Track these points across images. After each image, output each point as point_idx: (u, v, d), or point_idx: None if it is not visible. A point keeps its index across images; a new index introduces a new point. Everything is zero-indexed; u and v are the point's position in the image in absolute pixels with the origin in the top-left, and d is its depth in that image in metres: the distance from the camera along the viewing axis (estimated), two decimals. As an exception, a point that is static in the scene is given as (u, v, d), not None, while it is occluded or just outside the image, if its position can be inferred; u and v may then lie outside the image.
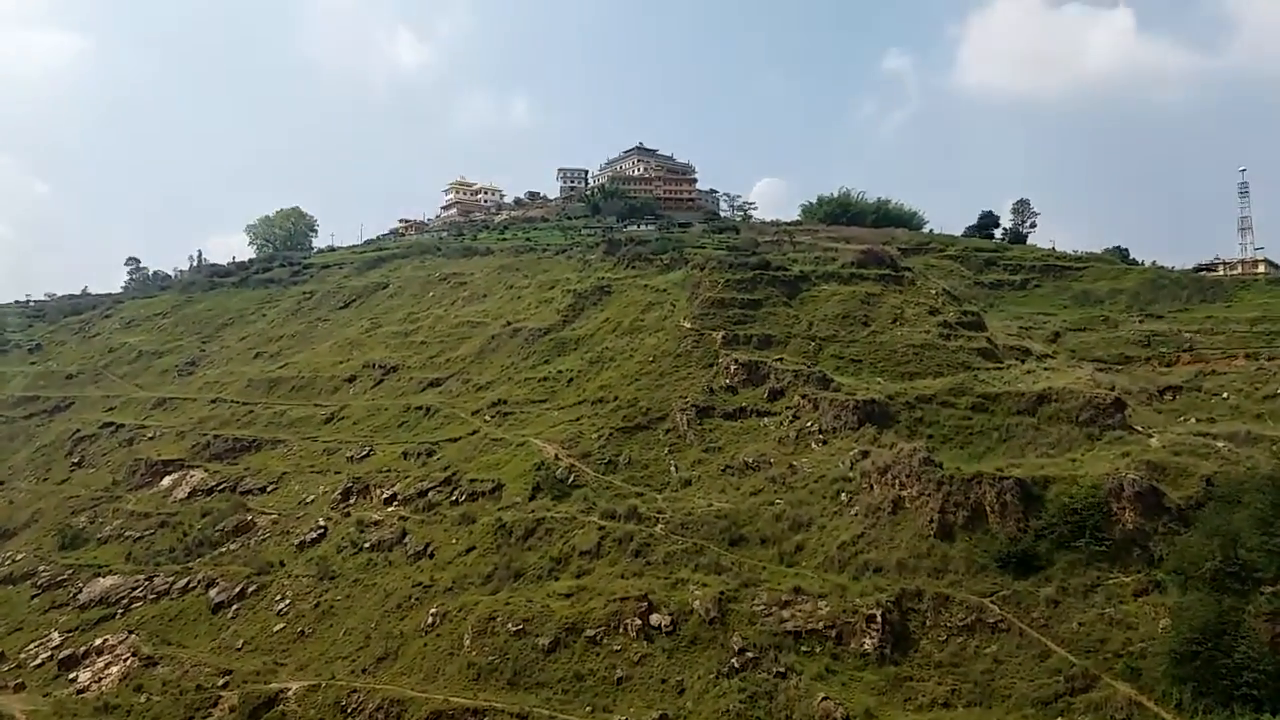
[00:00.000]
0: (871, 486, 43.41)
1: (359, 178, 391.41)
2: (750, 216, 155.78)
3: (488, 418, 63.27)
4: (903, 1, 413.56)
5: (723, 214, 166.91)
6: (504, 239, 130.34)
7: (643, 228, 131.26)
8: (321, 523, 54.86)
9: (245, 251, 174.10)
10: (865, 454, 46.02)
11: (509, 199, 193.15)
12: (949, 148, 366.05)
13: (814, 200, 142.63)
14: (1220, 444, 44.79)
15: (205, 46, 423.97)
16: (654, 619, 37.47)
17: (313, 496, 59.38)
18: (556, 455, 54.13)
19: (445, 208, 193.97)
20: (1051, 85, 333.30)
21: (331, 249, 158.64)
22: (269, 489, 62.43)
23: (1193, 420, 53.26)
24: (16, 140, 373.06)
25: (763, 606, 37.50)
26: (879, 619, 35.92)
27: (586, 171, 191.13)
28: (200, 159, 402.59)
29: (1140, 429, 48.35)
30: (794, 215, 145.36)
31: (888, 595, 36.85)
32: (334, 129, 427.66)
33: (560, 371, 68.06)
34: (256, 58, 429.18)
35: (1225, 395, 57.75)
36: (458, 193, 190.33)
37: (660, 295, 77.73)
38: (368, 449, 63.94)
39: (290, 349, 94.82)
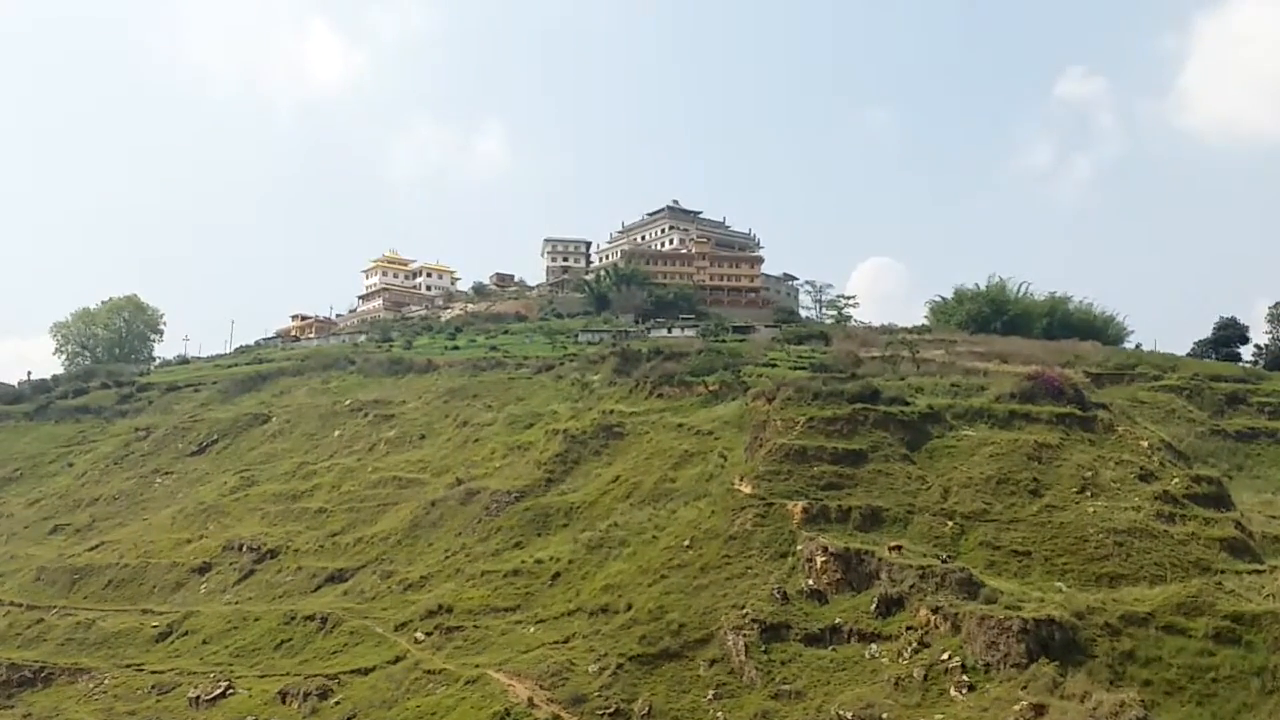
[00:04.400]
0: (1051, 766, 42.17)
1: (233, 251, 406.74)
2: (849, 318, 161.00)
3: (421, 635, 63.12)
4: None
5: (804, 312, 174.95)
6: (455, 347, 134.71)
7: (677, 333, 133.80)
8: (144, 809, 53.87)
9: (49, 364, 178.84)
10: (1040, 711, 45.10)
11: (465, 285, 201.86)
12: (1164, 218, 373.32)
13: (949, 295, 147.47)
14: None
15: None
16: None
17: (133, 763, 58.69)
18: (531, 700, 53.35)
19: (366, 297, 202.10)
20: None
21: (184, 360, 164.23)
22: (63, 750, 61.61)
23: None
24: None
25: None
26: None
27: (589, 244, 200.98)
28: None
29: None
30: (917, 317, 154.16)
31: None
32: (198, 176, 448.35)
33: (540, 562, 68.25)
34: (88, 57, 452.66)
35: None
36: (386, 274, 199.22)
37: (703, 440, 78.20)
38: (224, 685, 63.22)
39: (109, 519, 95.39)
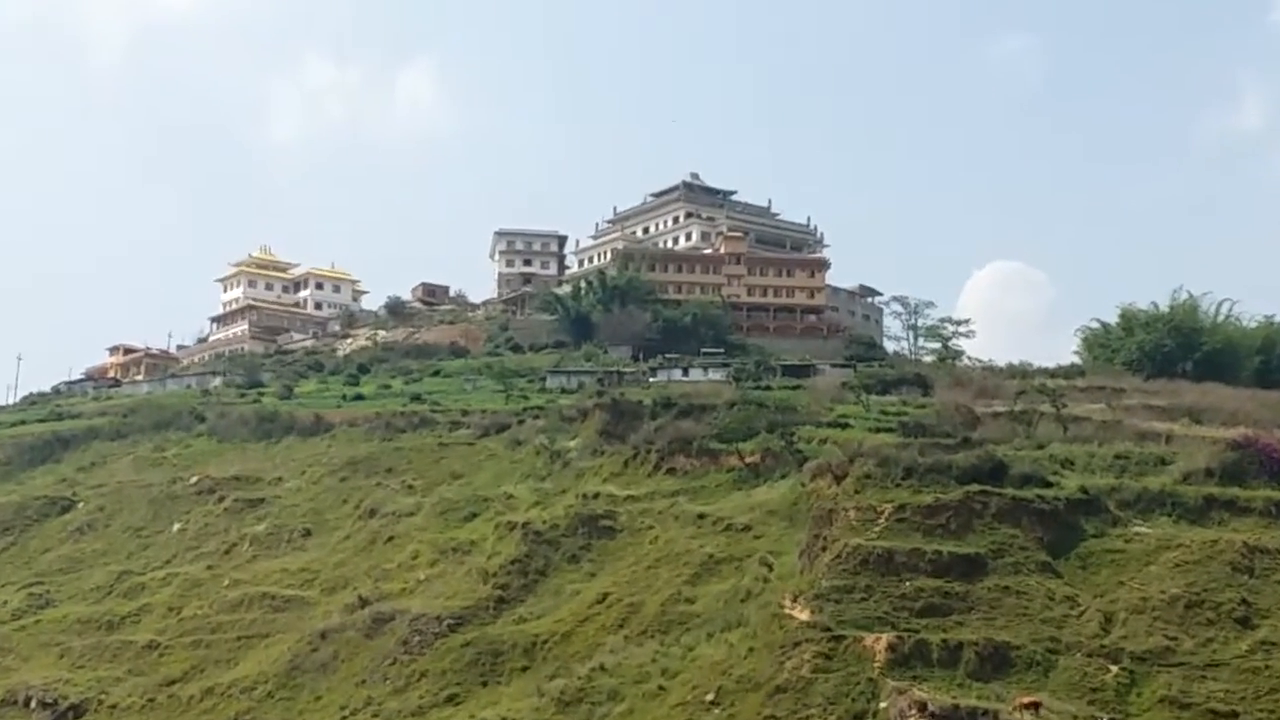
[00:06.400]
0: None
1: (23, 251, 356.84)
2: (959, 353, 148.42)
3: (303, 842, 61.16)
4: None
5: (892, 345, 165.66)
6: (359, 397, 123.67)
7: (697, 375, 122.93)
8: None
9: None
10: None
11: (374, 301, 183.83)
12: None
13: (1111, 320, 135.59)
14: None
15: None
16: None
17: None
18: None
19: (223, 319, 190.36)
20: None
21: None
22: None
23: None
24: None
25: None
26: None
27: (563, 240, 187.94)
28: None
29: None
30: (1064, 352, 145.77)
31: None
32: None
33: (489, 730, 61.60)
34: None
35: None
36: (254, 284, 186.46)
37: (736, 540, 72.09)
38: None
39: None
